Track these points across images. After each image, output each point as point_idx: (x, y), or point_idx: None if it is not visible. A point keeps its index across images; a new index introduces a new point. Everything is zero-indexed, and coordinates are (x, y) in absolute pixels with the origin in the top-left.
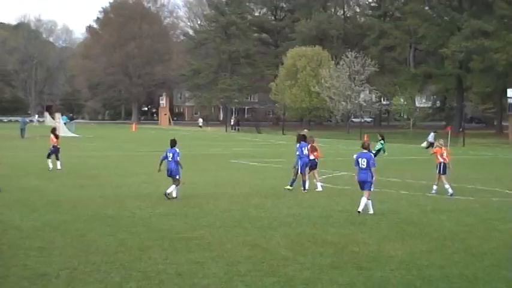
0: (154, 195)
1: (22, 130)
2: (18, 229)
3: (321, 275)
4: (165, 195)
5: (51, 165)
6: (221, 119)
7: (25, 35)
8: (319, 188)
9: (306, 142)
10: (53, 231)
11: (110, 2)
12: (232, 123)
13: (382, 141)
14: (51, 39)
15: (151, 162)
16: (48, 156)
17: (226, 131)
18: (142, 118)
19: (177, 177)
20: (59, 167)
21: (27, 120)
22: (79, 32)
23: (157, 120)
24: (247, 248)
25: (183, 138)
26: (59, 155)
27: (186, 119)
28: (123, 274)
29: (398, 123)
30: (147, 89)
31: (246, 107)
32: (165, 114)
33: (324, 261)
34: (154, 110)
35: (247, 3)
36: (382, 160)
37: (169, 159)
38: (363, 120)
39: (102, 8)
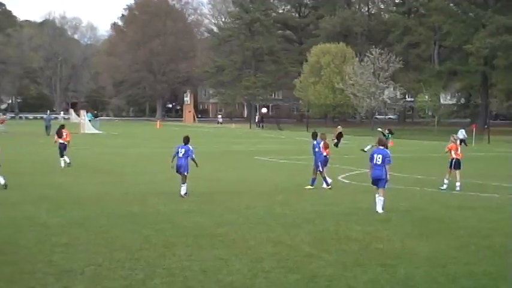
0: (178, 192)
1: (47, 127)
2: (44, 225)
3: (345, 272)
4: (182, 196)
5: (62, 164)
6: (245, 116)
7: (50, 32)
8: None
9: (320, 139)
10: (78, 227)
11: (134, 0)
12: (256, 120)
13: (388, 134)
14: (75, 37)
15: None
16: (61, 156)
17: (250, 127)
18: (166, 115)
19: (186, 173)
20: (62, 164)
21: (52, 117)
22: (104, 29)
23: (182, 117)
24: (271, 244)
25: (206, 135)
26: (65, 152)
27: (211, 116)
28: (147, 271)
29: (423, 120)
30: (172, 86)
31: (270, 104)
32: (190, 111)
33: (348, 258)
34: (178, 107)
35: (271, 0)
36: (407, 158)
37: (180, 155)
38: (387, 117)
39: (127, 5)
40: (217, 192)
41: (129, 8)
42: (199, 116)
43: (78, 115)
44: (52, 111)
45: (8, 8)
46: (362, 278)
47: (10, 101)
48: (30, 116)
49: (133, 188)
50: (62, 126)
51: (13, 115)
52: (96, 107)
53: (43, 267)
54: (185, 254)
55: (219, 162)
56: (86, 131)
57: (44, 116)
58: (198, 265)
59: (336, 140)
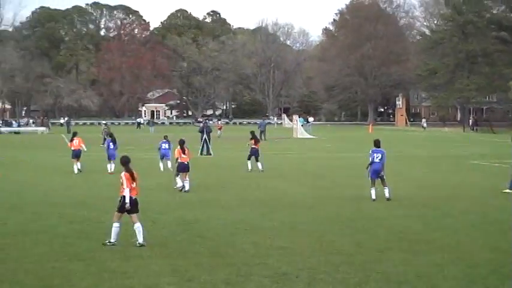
0: (393, 196)
1: (262, 132)
2: (260, 228)
3: None
4: (387, 199)
5: (250, 167)
6: (458, 119)
7: (263, 38)
8: None
9: None
10: (292, 231)
11: (346, 4)
12: (470, 123)
13: None
14: (288, 42)
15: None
16: (248, 158)
17: (464, 131)
18: (378, 119)
19: (384, 177)
20: (260, 167)
21: (266, 122)
22: (315, 35)
23: (394, 121)
24: (488, 250)
25: (419, 139)
26: (259, 158)
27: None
28: (362, 275)
29: None
30: (383, 90)
31: (484, 107)
32: (402, 115)
33: None
34: (390, 111)
35: (485, 1)
36: None
37: (377, 160)
38: None
39: (338, 10)
40: (431, 197)
41: (341, 13)
42: (412, 119)
43: (291, 120)
44: (265, 116)
45: (223, 16)
46: None
47: (224, 107)
48: (244, 121)
49: (347, 192)
50: (252, 132)
51: (227, 121)
52: (308, 112)
53: (259, 270)
54: (400, 258)
55: (433, 166)
56: (299, 136)
57: (259, 121)
58: (413, 270)
59: None
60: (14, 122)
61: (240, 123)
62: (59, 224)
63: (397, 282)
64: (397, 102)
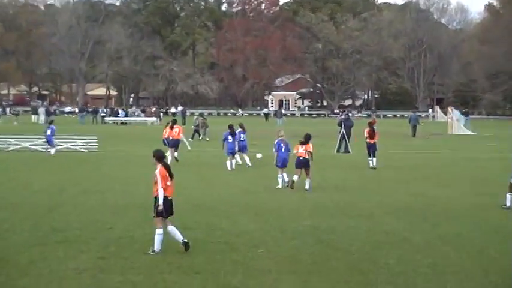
0: None
1: (414, 127)
2: (408, 241)
3: None
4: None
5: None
6: None
7: (413, 16)
8: None
9: None
10: (446, 245)
11: None
12: None
13: None
14: (443, 21)
15: None
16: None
17: None
18: None
19: None
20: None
21: (416, 116)
22: (475, 11)
23: None
24: None
25: None
26: (375, 153)
27: None
28: None
29: None
30: None
31: None
32: None
33: None
34: None
35: None
36: None
37: None
38: None
39: None
40: None
41: None
42: None
43: (445, 113)
44: (414, 108)
45: None
46: None
47: (365, 96)
48: (389, 113)
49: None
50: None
51: (369, 113)
52: (467, 104)
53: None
54: None
55: None
56: (455, 132)
57: (407, 114)
58: None
59: None
60: (120, 111)
61: (384, 115)
62: None
63: None
64: None
